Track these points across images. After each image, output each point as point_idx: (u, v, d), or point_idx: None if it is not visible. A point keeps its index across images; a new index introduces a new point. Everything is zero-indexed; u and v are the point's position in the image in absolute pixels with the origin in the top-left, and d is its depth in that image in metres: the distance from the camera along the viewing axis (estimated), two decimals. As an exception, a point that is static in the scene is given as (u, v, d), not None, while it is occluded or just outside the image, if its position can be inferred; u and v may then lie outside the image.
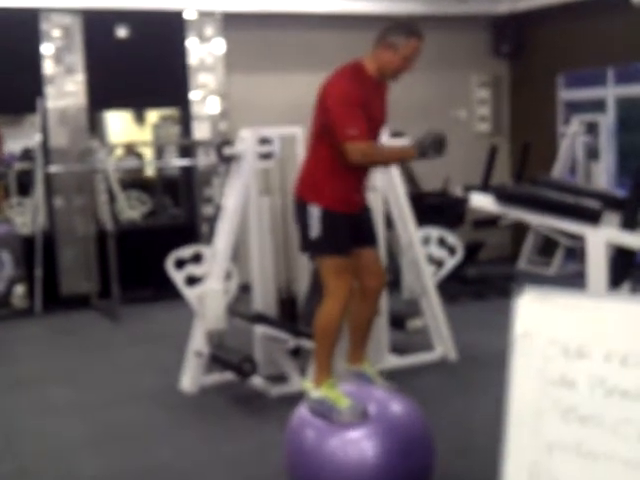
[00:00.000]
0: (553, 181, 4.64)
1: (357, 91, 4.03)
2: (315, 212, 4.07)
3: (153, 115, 11.16)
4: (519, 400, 2.50)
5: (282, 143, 6.00)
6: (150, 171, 11.64)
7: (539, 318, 2.47)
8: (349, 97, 4.01)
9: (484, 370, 5.99)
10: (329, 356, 4.12)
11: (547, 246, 9.99)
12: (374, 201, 5.69)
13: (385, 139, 5.76)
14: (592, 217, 3.67)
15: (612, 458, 2.34)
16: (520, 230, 10.25)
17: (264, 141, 5.86)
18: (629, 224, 3.58)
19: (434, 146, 4.01)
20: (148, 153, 11.63)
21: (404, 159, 4.16)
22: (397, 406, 3.97)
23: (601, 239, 3.64)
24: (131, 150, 11.36)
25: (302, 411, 4.02)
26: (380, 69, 4.14)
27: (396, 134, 6.15)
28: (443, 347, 6.39)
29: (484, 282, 8.90)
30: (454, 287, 8.05)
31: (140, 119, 11.31)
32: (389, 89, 4.35)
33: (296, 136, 5.96)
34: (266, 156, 5.90)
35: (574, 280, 8.50)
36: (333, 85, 4.08)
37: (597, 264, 3.64)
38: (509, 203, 3.93)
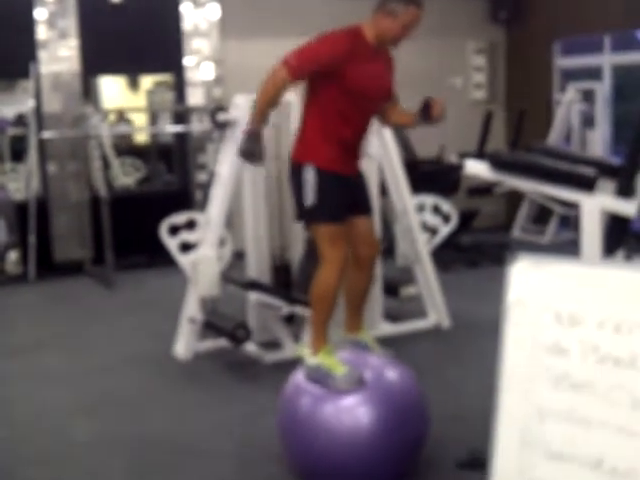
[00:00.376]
0: (548, 148, 4.62)
1: (340, 51, 3.97)
2: (310, 177, 4.04)
3: (147, 81, 11.10)
4: (512, 367, 2.50)
5: (277, 109, 5.95)
6: (143, 137, 11.59)
7: (532, 285, 2.47)
8: (324, 50, 4.00)
9: (477, 337, 6.01)
10: (325, 323, 4.11)
11: (541, 214, 9.99)
12: (369, 168, 5.67)
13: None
14: (587, 184, 3.65)
15: (605, 425, 2.34)
16: (515, 198, 10.25)
17: (258, 107, 5.82)
18: (624, 191, 3.57)
19: (246, 152, 4.17)
20: (142, 119, 11.57)
21: (252, 123, 4.15)
22: (393, 373, 3.97)
23: (596, 206, 3.63)
24: (121, 116, 11.30)
25: (297, 378, 4.02)
26: (379, 36, 4.10)
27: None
28: (436, 314, 6.39)
29: (478, 250, 8.91)
30: (448, 255, 8.05)
31: (134, 85, 11.25)
32: (394, 62, 4.30)
33: (291, 102, 5.92)
34: (260, 122, 5.86)
35: (568, 248, 8.50)
36: (323, 37, 4.05)
37: (591, 231, 3.63)
38: (504, 170, 3.90)
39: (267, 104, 4.10)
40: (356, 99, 4.05)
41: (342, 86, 4.00)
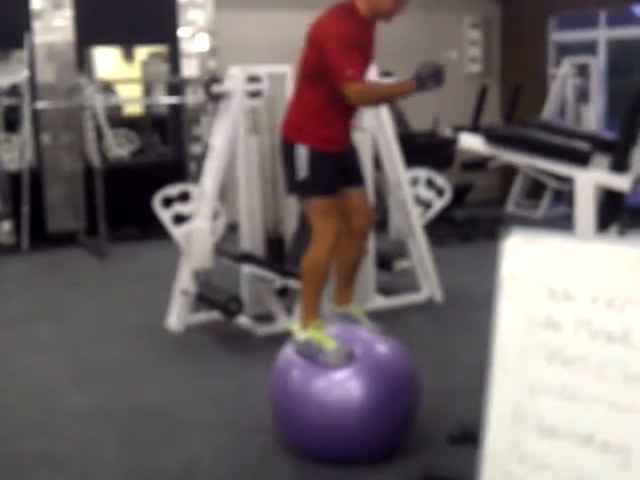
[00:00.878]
0: (543, 123, 4.60)
1: (352, 32, 3.96)
2: (302, 153, 4.02)
3: (142, 52, 11.03)
4: (504, 341, 2.50)
5: (271, 81, 5.94)
6: (137, 109, 11.52)
7: (526, 260, 2.46)
8: (345, 38, 3.92)
9: (470, 311, 6.02)
10: (316, 298, 4.10)
11: (535, 189, 9.99)
12: (363, 141, 5.66)
13: (373, 78, 5.71)
14: (581, 159, 3.64)
15: (597, 400, 2.34)
16: (509, 173, 10.24)
17: (253, 79, 5.80)
18: (618, 166, 3.56)
19: (433, 78, 3.89)
20: (135, 90, 11.50)
21: (404, 93, 4.04)
22: (384, 347, 3.97)
23: (590, 181, 3.62)
24: (108, 87, 11.20)
25: (287, 352, 4.02)
26: (372, 10, 4.05)
27: (385, 74, 6.10)
28: (429, 288, 6.40)
29: (472, 224, 8.91)
30: (442, 229, 8.05)
31: (128, 56, 11.18)
32: (376, 28, 4.27)
33: (285, 74, 5.91)
34: (255, 94, 5.85)
35: (561, 223, 8.47)
36: (328, 25, 4.00)
37: (585, 206, 3.63)
38: (499, 144, 3.89)
39: (383, 92, 4.13)
40: None
41: None
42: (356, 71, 3.89)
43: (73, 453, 4.10)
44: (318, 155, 4.02)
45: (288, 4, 9.53)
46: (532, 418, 2.45)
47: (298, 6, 9.21)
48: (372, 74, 5.17)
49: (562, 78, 9.75)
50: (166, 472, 3.89)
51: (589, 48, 9.83)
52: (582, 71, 9.74)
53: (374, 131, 6.06)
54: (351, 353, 3.81)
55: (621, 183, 3.59)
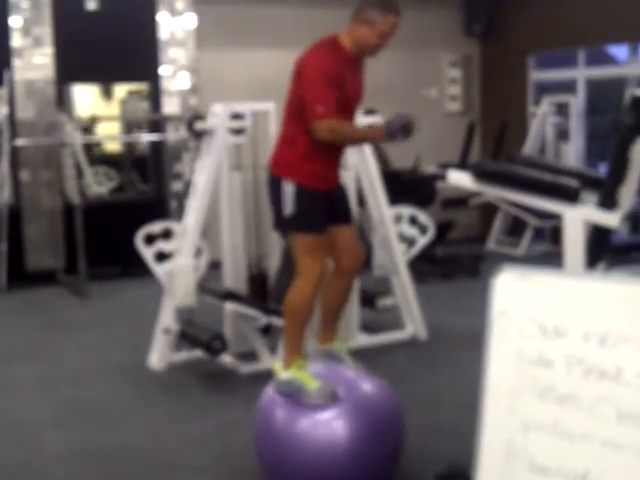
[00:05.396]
0: (531, 159, 4.63)
1: (332, 67, 3.96)
2: (289, 188, 4.00)
3: (121, 90, 11.03)
4: (496, 379, 2.49)
5: (254, 118, 5.94)
6: (117, 146, 11.49)
7: (517, 297, 2.46)
8: (323, 73, 3.93)
9: (454, 349, 6.02)
10: (299, 336, 4.07)
11: (516, 226, 10.02)
12: (346, 178, 5.65)
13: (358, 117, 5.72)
14: (570, 195, 3.65)
15: (589, 438, 2.33)
16: (489, 210, 10.27)
17: (236, 116, 5.80)
18: (607, 203, 3.57)
19: (403, 130, 3.90)
20: (114, 128, 11.46)
21: (372, 139, 4.06)
22: (367, 386, 3.94)
23: (579, 217, 3.62)
24: (88, 127, 11.13)
25: (271, 391, 3.99)
26: (356, 44, 4.06)
27: (369, 111, 6.11)
28: (413, 326, 6.38)
29: (453, 262, 8.90)
30: (423, 266, 8.03)
31: (107, 94, 11.16)
32: (365, 66, 4.28)
33: (268, 111, 5.92)
34: (238, 131, 5.85)
35: (542, 260, 8.53)
36: (309, 60, 4.01)
37: (574, 243, 3.63)
38: (487, 180, 3.89)
39: (351, 134, 4.11)
40: (342, 111, 4.01)
41: None
42: (328, 108, 3.89)
43: (55, 494, 4.04)
44: (305, 191, 4.00)
45: (268, 43, 9.57)
46: (524, 456, 2.43)
47: (278, 44, 9.25)
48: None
49: (542, 116, 9.83)
50: (150, 514, 3.84)
51: (568, 87, 9.91)
52: (561, 109, 9.82)
53: (358, 168, 6.07)
54: (334, 393, 3.78)
55: (610, 220, 3.59)
